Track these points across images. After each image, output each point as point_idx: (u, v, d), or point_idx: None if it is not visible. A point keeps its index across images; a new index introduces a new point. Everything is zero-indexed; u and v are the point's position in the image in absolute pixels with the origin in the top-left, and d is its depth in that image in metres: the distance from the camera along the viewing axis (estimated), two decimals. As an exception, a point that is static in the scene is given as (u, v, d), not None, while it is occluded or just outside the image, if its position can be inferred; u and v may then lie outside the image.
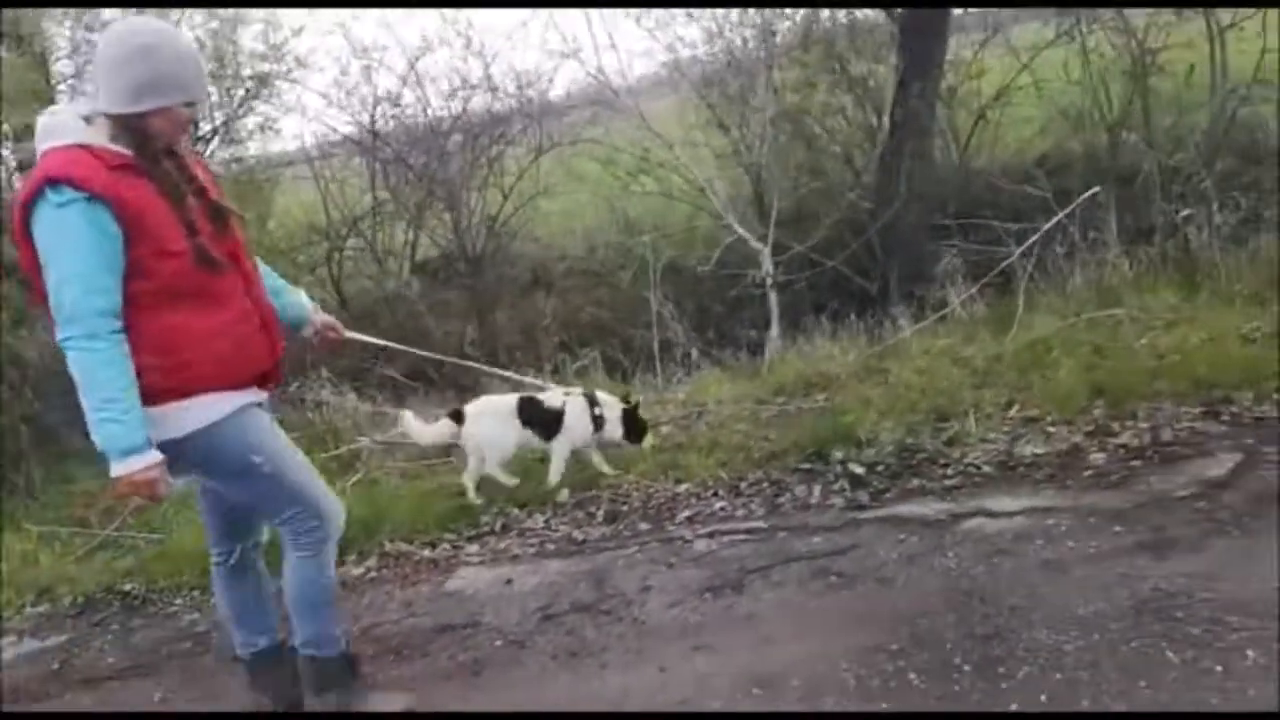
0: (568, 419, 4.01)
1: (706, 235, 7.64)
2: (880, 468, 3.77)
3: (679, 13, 7.87)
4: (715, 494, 3.83)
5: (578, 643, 2.96)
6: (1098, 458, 3.51)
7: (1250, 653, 2.36)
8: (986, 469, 3.61)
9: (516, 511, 3.99)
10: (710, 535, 3.48)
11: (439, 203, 7.83)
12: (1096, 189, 5.44)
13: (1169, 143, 6.72)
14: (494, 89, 8.23)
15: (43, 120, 2.27)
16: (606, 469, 4.16)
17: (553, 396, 4.09)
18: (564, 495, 4.01)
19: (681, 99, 8.66)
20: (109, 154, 2.21)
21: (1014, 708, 2.33)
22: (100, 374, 2.18)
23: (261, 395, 2.53)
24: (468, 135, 7.87)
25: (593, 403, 4.07)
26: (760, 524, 3.50)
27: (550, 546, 3.66)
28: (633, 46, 16.72)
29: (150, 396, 2.26)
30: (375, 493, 4.33)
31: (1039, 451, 3.64)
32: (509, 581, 3.40)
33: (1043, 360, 4.62)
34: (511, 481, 4.04)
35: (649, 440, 4.18)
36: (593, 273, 7.49)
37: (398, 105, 7.99)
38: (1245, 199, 6.03)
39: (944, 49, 7.07)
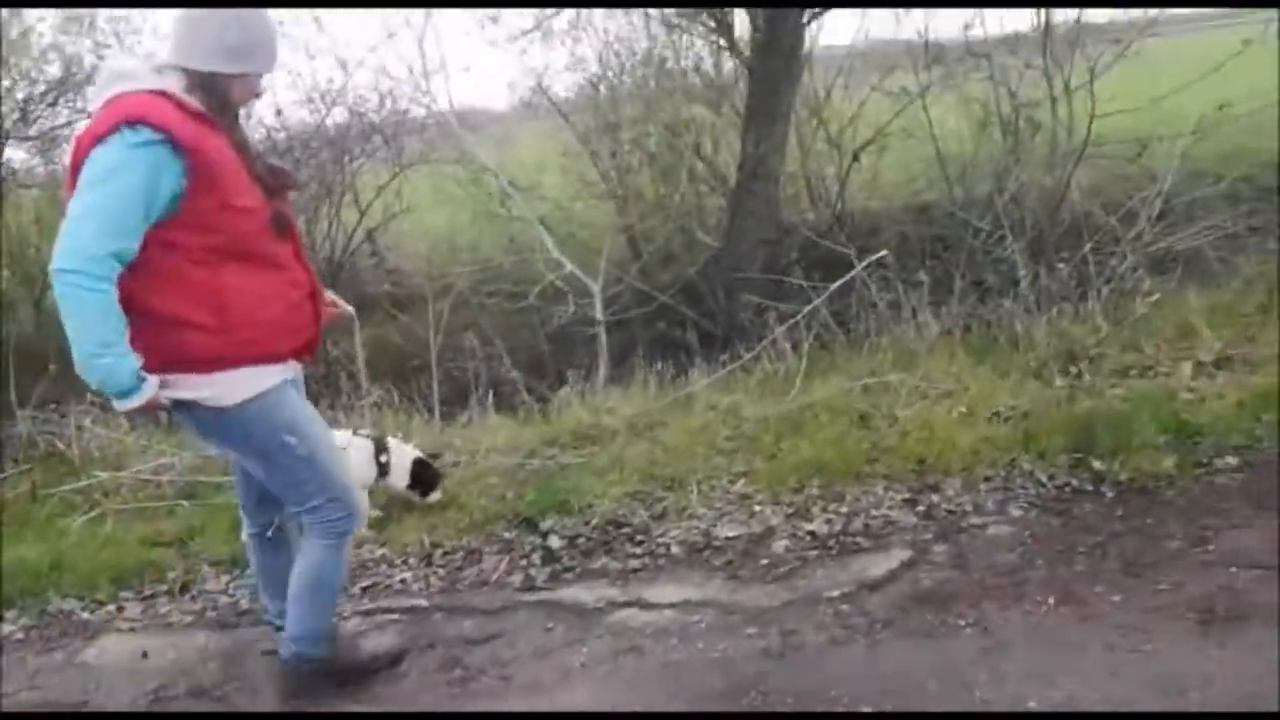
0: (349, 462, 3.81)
1: (550, 268, 7.44)
2: (580, 541, 3.60)
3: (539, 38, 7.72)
4: (407, 562, 3.64)
5: (167, 734, 2.75)
6: (781, 545, 3.36)
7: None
8: (675, 550, 3.44)
9: (208, 569, 3.77)
10: (368, 613, 3.29)
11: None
12: (884, 252, 5.31)
13: (1011, 203, 6.64)
14: (352, 107, 8.08)
15: (110, 65, 2.32)
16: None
17: (339, 436, 3.87)
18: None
19: (546, 126, 8.52)
20: (188, 103, 2.22)
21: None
22: (102, 316, 2.16)
23: (297, 370, 2.55)
24: (307, 152, 7.64)
25: (380, 449, 3.87)
26: (424, 602, 3.31)
27: (211, 615, 3.43)
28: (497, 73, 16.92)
29: (194, 362, 2.27)
30: (87, 536, 4.11)
31: (732, 535, 3.48)
32: (144, 655, 3.17)
33: (806, 427, 4.49)
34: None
35: (437, 495, 3.98)
36: (422, 299, 7.28)
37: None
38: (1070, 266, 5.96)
39: (790, 97, 6.95)
